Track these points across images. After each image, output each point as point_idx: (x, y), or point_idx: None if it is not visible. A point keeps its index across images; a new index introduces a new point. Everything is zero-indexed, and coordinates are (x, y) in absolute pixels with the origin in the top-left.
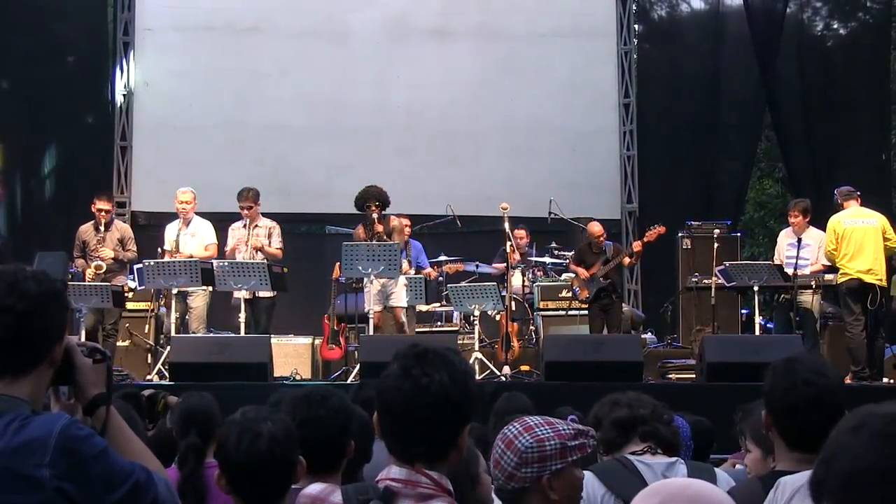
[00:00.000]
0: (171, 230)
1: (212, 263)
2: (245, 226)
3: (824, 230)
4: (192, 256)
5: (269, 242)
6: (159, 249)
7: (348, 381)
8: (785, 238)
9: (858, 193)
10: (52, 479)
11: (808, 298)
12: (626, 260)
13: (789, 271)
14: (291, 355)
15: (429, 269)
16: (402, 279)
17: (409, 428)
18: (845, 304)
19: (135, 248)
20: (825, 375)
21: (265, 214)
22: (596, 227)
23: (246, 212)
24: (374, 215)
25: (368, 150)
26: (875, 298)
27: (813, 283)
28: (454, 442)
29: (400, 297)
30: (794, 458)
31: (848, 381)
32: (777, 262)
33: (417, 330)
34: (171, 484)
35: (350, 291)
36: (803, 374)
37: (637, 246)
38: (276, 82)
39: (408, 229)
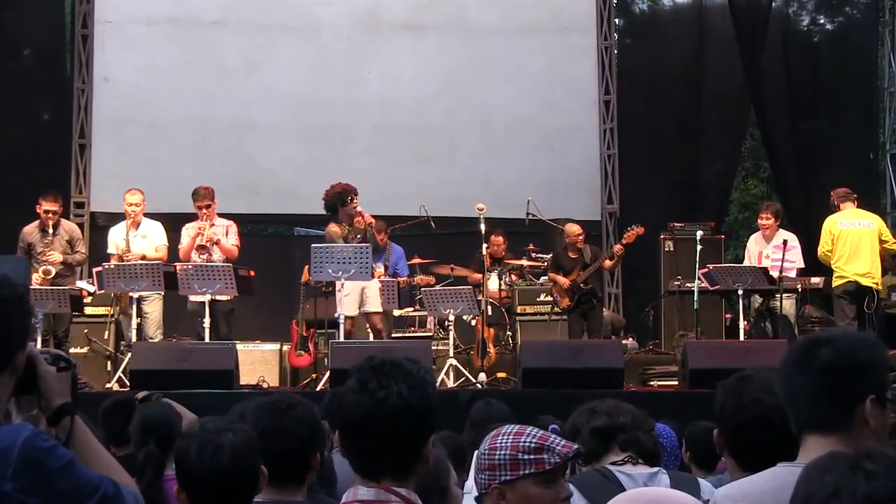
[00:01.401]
0: (117, 233)
1: (175, 266)
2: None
3: (814, 231)
4: (144, 258)
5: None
6: (109, 253)
7: (317, 389)
8: (755, 244)
9: (855, 196)
10: (15, 492)
11: (785, 304)
12: (607, 263)
13: (774, 274)
14: (258, 362)
15: (405, 278)
16: (376, 283)
17: (371, 444)
18: (839, 309)
19: (84, 250)
20: (775, 394)
21: (231, 215)
22: (574, 228)
23: (203, 211)
24: (359, 208)
25: (339, 148)
26: (872, 302)
27: (799, 286)
28: (419, 454)
29: (377, 302)
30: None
31: None
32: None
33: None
34: (141, 498)
35: (320, 295)
36: (753, 393)
37: (618, 249)
38: (243, 78)
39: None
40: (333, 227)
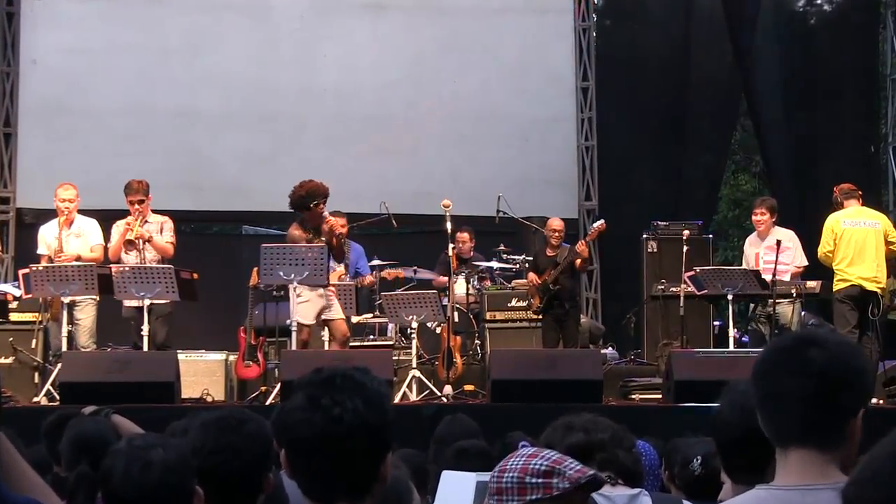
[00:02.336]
0: (48, 231)
1: (110, 268)
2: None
3: (809, 231)
4: (79, 259)
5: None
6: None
7: (267, 404)
8: (751, 246)
9: (860, 193)
10: None
11: (786, 310)
12: (577, 262)
13: (766, 277)
14: (202, 373)
15: (370, 277)
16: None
17: (325, 465)
18: (839, 315)
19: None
20: None
21: (173, 212)
22: (555, 223)
23: (136, 207)
24: (325, 214)
25: (291, 139)
26: (877, 308)
27: (794, 290)
28: (376, 473)
29: (340, 307)
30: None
31: None
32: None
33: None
34: None
35: (270, 300)
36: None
37: (580, 246)
38: (186, 61)
39: (344, 229)
40: (295, 231)
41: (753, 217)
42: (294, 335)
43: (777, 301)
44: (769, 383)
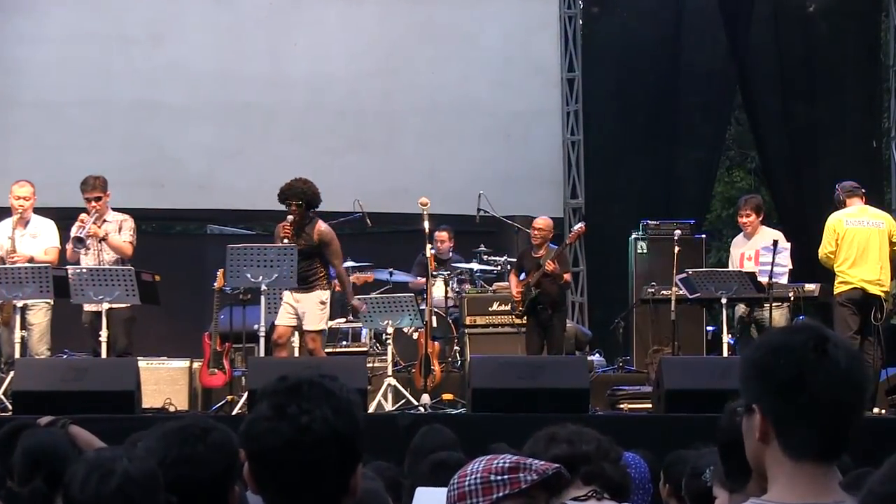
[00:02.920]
0: (1, 231)
1: (66, 270)
2: (94, 222)
3: (807, 230)
4: (32, 260)
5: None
6: None
7: (233, 414)
8: (736, 247)
9: (864, 191)
10: None
11: (775, 315)
12: (549, 266)
13: (763, 280)
14: (164, 382)
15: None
16: (317, 295)
17: (292, 477)
18: (840, 319)
19: None
20: None
21: (133, 210)
22: (536, 221)
23: (94, 204)
24: (290, 217)
25: (260, 133)
26: (880, 312)
27: (791, 294)
28: (346, 486)
29: (314, 318)
30: None
31: None
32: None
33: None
34: None
35: (237, 304)
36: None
37: (548, 266)
38: (148, 51)
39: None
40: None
41: (739, 219)
42: (261, 341)
43: (762, 306)
44: (797, 391)
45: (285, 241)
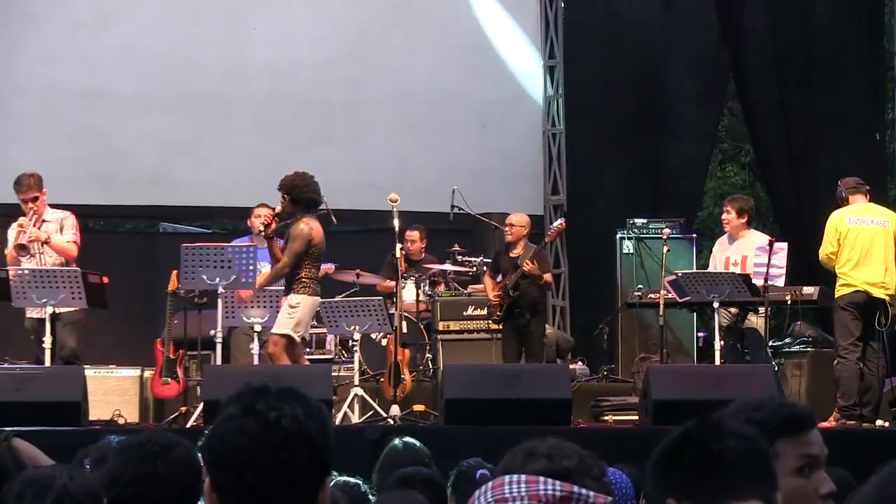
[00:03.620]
0: None
1: (6, 271)
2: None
3: (806, 229)
4: None
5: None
6: None
7: (188, 426)
8: (722, 251)
9: (868, 188)
10: None
11: (752, 321)
12: (527, 266)
13: (758, 282)
14: (113, 392)
15: None
16: (290, 298)
17: (257, 480)
18: (841, 325)
19: None
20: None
21: (79, 207)
22: (511, 218)
23: (31, 205)
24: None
25: (217, 124)
26: (884, 317)
27: (788, 297)
28: (314, 499)
29: (279, 320)
30: None
31: (831, 422)
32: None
33: None
34: None
35: (191, 308)
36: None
37: (526, 266)
38: (96, 35)
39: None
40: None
41: (722, 215)
42: (218, 347)
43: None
44: None
45: (260, 228)
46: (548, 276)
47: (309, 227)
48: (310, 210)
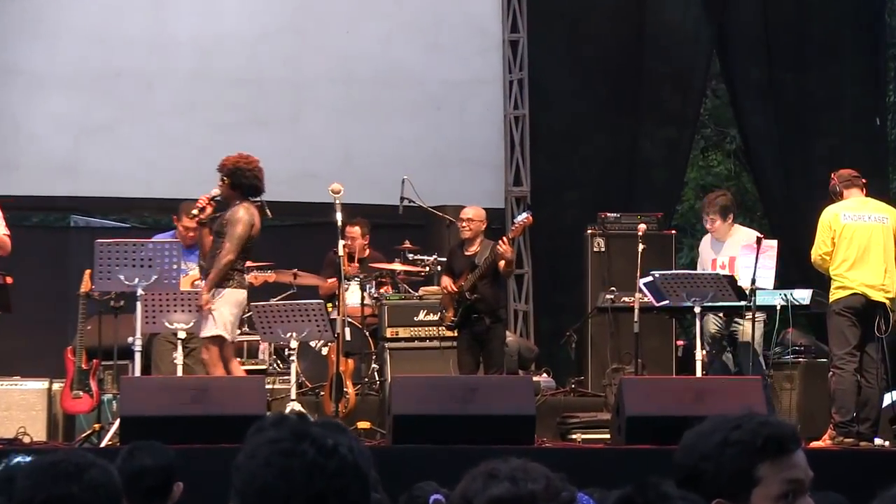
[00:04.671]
0: None
1: None
2: None
3: (797, 226)
4: None
5: None
6: None
7: (102, 446)
8: (708, 251)
9: (864, 181)
10: None
11: (745, 325)
12: (501, 265)
13: (745, 285)
14: (17, 407)
15: None
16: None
17: None
18: (837, 332)
19: None
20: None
21: None
22: (464, 211)
23: None
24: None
25: (136, 105)
26: (884, 322)
27: (777, 302)
28: None
29: (206, 322)
30: None
31: (825, 441)
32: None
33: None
34: None
35: (107, 312)
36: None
37: (501, 245)
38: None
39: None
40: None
41: (704, 222)
42: (137, 356)
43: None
44: None
45: (192, 213)
46: (504, 252)
47: (249, 213)
48: (248, 198)
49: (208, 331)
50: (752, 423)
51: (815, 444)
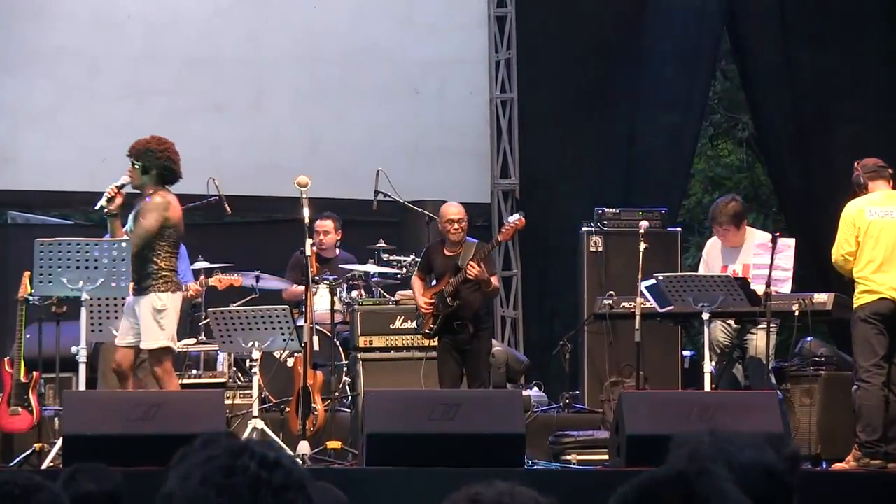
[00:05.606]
0: None
1: None
2: None
3: (823, 223)
4: None
5: None
6: None
7: (43, 467)
8: (716, 257)
9: (891, 171)
10: None
11: (757, 334)
12: (471, 270)
13: (758, 288)
14: None
15: (191, 283)
16: (152, 299)
17: None
18: (862, 341)
19: None
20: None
21: None
22: (452, 210)
23: None
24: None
25: (79, 87)
26: None
27: (795, 307)
28: None
29: (150, 332)
30: None
31: (849, 462)
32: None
33: None
34: None
35: (48, 319)
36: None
37: (470, 270)
38: None
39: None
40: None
41: (715, 231)
42: (82, 368)
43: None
44: None
45: (100, 205)
46: (495, 280)
47: (166, 199)
48: (163, 185)
49: (156, 341)
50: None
51: (837, 465)
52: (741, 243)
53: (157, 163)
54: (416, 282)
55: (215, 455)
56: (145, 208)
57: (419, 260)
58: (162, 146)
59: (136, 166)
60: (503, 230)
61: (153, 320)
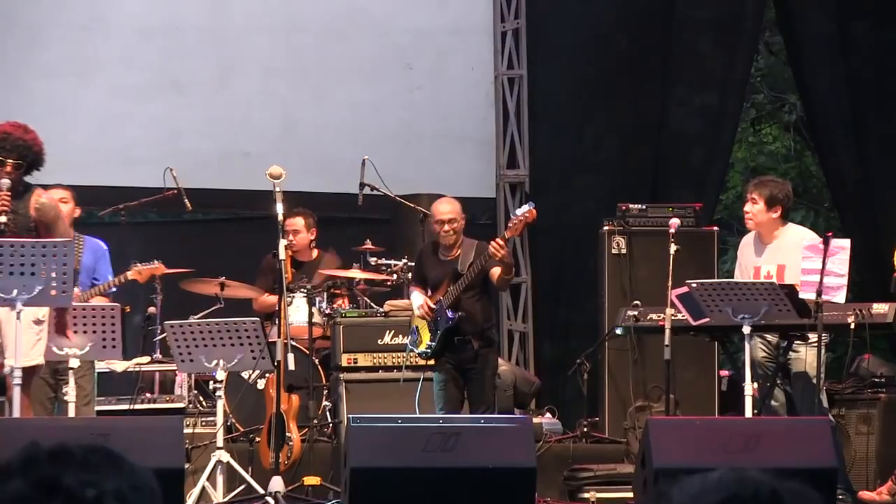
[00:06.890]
0: None
1: None
2: None
3: (882, 220)
4: None
5: None
6: None
7: None
8: (749, 255)
9: None
10: None
11: (800, 352)
12: (497, 272)
13: (808, 297)
14: None
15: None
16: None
17: None
18: None
19: None
20: None
21: None
22: (441, 209)
23: None
24: (5, 181)
25: (14, 62)
26: None
27: (851, 319)
28: None
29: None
30: None
31: (881, 495)
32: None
33: (103, 409)
34: None
35: None
36: None
37: (494, 247)
38: None
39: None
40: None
41: (745, 206)
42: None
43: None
44: None
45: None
46: (496, 254)
47: (52, 201)
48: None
49: (36, 356)
50: None
51: (866, 494)
52: (771, 235)
53: (39, 158)
54: (414, 293)
55: (22, 492)
56: (49, 214)
57: (412, 265)
58: (30, 135)
59: (16, 163)
60: (511, 224)
61: (34, 331)
